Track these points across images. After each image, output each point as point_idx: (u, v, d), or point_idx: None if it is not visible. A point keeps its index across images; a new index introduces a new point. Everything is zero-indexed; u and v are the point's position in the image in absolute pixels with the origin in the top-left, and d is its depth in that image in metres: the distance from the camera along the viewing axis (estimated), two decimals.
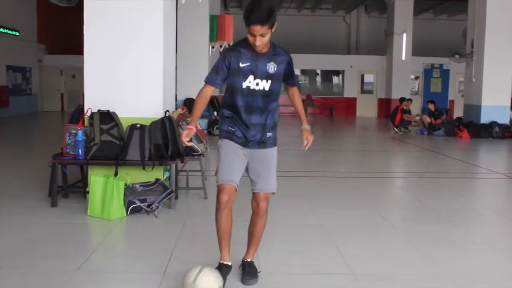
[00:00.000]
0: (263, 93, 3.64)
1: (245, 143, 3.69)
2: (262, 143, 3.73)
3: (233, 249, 3.85)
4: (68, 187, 6.29)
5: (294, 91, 3.97)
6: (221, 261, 3.75)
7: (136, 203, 5.54)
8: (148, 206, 5.57)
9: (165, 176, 6.12)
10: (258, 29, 3.39)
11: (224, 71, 3.60)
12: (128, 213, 5.52)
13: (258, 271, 3.83)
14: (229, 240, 3.75)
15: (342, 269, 4.10)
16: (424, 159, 11.36)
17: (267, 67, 3.60)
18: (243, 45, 3.60)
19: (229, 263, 3.75)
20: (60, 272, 3.91)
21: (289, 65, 3.73)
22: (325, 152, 12.36)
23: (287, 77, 3.77)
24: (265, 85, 3.62)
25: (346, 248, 4.59)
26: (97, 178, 5.54)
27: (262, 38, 3.45)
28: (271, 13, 3.41)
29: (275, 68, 3.63)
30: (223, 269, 3.68)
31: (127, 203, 5.52)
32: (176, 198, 6.12)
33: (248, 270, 3.79)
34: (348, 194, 7.10)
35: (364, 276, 3.96)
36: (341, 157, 11.40)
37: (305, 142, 3.80)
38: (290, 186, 7.20)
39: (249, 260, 3.86)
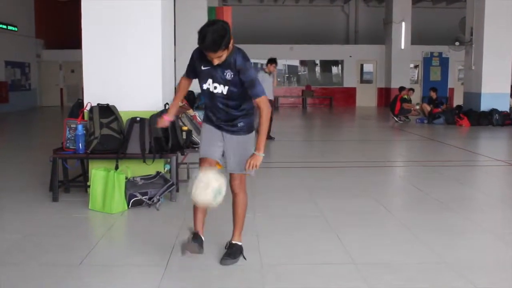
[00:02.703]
0: (223, 96, 3.81)
1: (220, 128, 3.96)
2: (233, 132, 3.94)
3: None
4: (69, 182, 6.30)
5: (258, 103, 3.80)
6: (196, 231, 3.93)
7: (137, 196, 5.55)
8: (149, 199, 5.58)
9: (166, 169, 6.13)
10: (212, 55, 3.59)
11: (191, 68, 3.92)
12: (130, 206, 5.53)
13: (239, 253, 4.04)
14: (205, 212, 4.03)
15: (343, 259, 4.12)
16: (424, 148, 11.36)
17: (225, 74, 3.73)
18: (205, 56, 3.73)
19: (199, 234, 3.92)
20: (62, 266, 3.93)
21: (244, 75, 3.70)
22: (325, 142, 12.38)
23: (246, 88, 3.76)
24: (222, 89, 3.78)
25: (347, 238, 4.60)
26: (98, 172, 5.55)
27: (219, 58, 3.62)
28: (220, 43, 3.51)
29: (232, 76, 3.72)
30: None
31: (128, 197, 5.53)
32: (177, 190, 6.14)
33: (228, 252, 4.03)
34: (348, 183, 7.11)
35: (365, 265, 3.98)
36: (341, 147, 11.40)
37: (247, 165, 3.82)
38: (291, 176, 7.22)
39: (231, 241, 4.10)
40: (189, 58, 3.88)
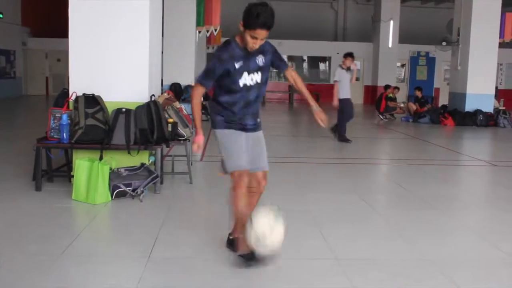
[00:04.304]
0: (257, 86, 3.79)
1: (243, 129, 3.83)
2: (256, 128, 3.92)
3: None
4: (52, 171, 6.25)
5: (291, 72, 4.07)
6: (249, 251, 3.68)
7: (121, 188, 5.53)
8: (133, 190, 5.56)
9: (151, 161, 6.11)
10: (263, 33, 3.51)
11: (216, 74, 3.68)
12: (113, 197, 5.51)
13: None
14: None
15: (326, 254, 4.14)
16: (409, 146, 11.44)
17: (257, 61, 3.73)
18: (234, 45, 3.68)
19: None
20: (44, 256, 3.90)
21: (275, 53, 3.88)
22: (312, 138, 12.40)
23: (278, 64, 3.94)
24: (257, 78, 3.77)
25: (330, 234, 4.62)
26: (82, 162, 5.51)
27: (261, 41, 3.58)
28: (274, 18, 3.52)
29: (264, 60, 3.77)
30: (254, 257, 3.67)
31: (112, 188, 5.50)
32: (162, 182, 6.12)
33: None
34: (334, 180, 7.14)
35: (348, 261, 4.00)
36: (328, 144, 11.43)
37: (321, 123, 3.93)
38: (279, 172, 7.22)
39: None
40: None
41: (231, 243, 4.02)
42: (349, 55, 10.86)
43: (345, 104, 10.72)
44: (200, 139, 3.80)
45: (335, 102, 10.66)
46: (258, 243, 3.48)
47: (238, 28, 3.62)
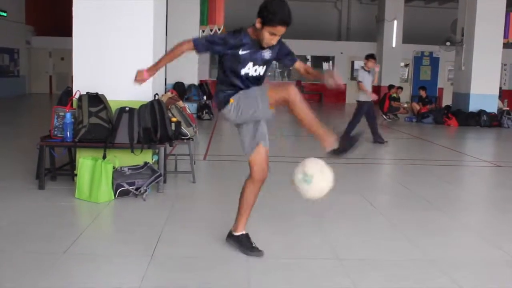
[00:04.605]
0: (258, 77, 3.80)
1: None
2: None
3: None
4: (56, 170, 6.27)
5: (301, 64, 4.12)
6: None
7: (124, 186, 5.53)
8: (136, 189, 5.57)
9: (154, 160, 6.11)
10: (283, 30, 3.56)
11: (213, 48, 3.67)
12: (116, 196, 5.51)
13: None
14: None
15: (328, 254, 4.14)
16: (412, 146, 11.43)
17: (263, 55, 3.75)
18: (244, 35, 3.67)
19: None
20: (47, 254, 3.91)
21: (283, 45, 3.92)
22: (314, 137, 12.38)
23: (287, 58, 3.99)
24: (260, 70, 3.79)
25: (332, 233, 4.63)
26: (85, 161, 5.52)
27: (278, 37, 3.63)
28: (291, 14, 3.58)
29: (270, 54, 3.79)
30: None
31: (115, 186, 5.51)
32: (165, 181, 6.13)
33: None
34: (336, 179, 7.10)
35: (350, 261, 4.00)
36: None
37: (336, 80, 3.86)
38: (279, 171, 7.20)
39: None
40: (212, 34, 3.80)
41: (232, 237, 4.08)
42: (371, 57, 10.78)
43: (362, 106, 10.64)
44: (146, 74, 3.91)
45: (374, 96, 10.69)
46: (302, 181, 3.62)
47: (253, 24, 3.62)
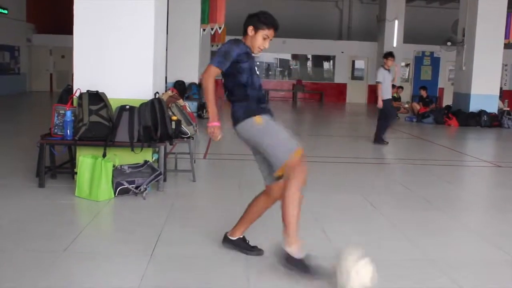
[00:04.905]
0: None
1: (266, 113, 3.81)
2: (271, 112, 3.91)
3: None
4: (56, 168, 6.26)
5: None
6: (303, 256, 3.54)
7: (124, 185, 5.53)
8: (136, 187, 5.56)
9: (154, 158, 6.11)
10: (273, 33, 3.82)
11: (232, 56, 3.70)
12: (116, 194, 5.51)
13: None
14: None
15: (329, 253, 4.12)
16: (413, 146, 11.42)
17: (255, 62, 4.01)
18: (246, 46, 3.82)
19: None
20: (47, 252, 3.91)
21: None
22: (315, 137, 12.39)
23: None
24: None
25: (333, 233, 4.62)
26: (85, 159, 5.52)
27: (269, 41, 3.86)
28: None
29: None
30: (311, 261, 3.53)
31: (115, 185, 5.51)
32: (165, 180, 6.12)
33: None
34: (336, 179, 7.13)
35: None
36: (330, 142, 11.43)
37: None
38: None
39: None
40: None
41: (228, 241, 4.05)
42: (390, 55, 10.79)
43: (387, 105, 10.63)
44: (215, 124, 3.69)
45: (380, 104, 10.55)
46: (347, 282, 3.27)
47: (239, 28, 3.73)
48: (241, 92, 3.79)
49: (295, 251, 3.50)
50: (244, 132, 3.74)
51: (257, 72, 3.95)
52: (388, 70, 10.64)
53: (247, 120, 3.71)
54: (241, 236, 4.03)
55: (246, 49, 3.79)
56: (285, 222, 3.60)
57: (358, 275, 3.27)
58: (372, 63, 25.19)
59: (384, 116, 10.64)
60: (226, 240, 4.07)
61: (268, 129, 3.68)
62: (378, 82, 10.52)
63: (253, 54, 3.86)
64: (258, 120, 3.69)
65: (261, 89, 3.89)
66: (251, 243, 4.04)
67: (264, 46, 3.84)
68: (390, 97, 10.80)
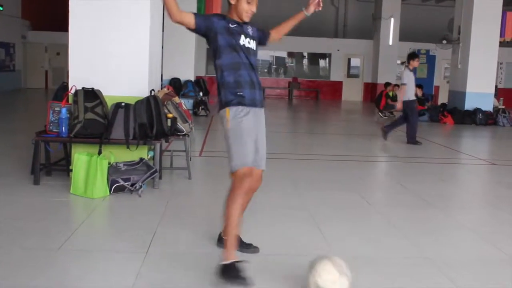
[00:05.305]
0: (255, 52, 3.75)
1: (254, 102, 3.62)
2: (262, 102, 3.75)
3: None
4: (51, 165, 6.24)
5: (274, 30, 4.19)
6: (234, 260, 3.37)
7: (120, 182, 5.51)
8: (132, 185, 5.55)
9: (149, 156, 6.09)
10: (256, 2, 3.65)
11: (210, 21, 3.62)
12: (111, 192, 5.49)
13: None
14: None
15: (325, 252, 4.12)
16: (408, 144, 11.42)
17: (249, 30, 3.75)
18: (230, 19, 3.69)
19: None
20: (42, 250, 3.89)
21: (255, 26, 3.88)
22: (311, 135, 12.39)
23: (263, 34, 4.00)
24: (253, 45, 3.74)
25: (329, 231, 4.62)
26: (81, 156, 5.50)
27: (255, 7, 3.66)
28: None
29: (253, 31, 3.79)
30: (241, 268, 3.31)
31: (111, 182, 5.49)
32: (160, 178, 6.11)
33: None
34: (332, 177, 7.13)
35: (347, 258, 3.98)
36: (326, 140, 11.43)
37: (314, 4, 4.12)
38: (275, 168, 7.21)
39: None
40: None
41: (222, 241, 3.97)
42: (416, 56, 10.79)
43: (412, 105, 10.66)
44: None
45: (400, 106, 10.71)
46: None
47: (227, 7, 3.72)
48: (218, 75, 3.64)
49: (229, 259, 3.37)
50: (220, 121, 3.69)
51: (248, 54, 3.66)
52: (412, 70, 10.65)
53: (221, 111, 3.63)
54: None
55: (226, 24, 3.61)
56: (225, 225, 3.54)
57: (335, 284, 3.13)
58: (368, 61, 25.21)
59: (406, 116, 10.69)
60: (220, 241, 4.02)
61: (235, 134, 3.53)
62: (403, 84, 10.53)
63: (244, 22, 3.69)
64: (228, 114, 3.54)
65: (250, 74, 3.63)
66: (246, 241, 4.02)
67: (252, 10, 3.65)
68: (415, 98, 10.84)
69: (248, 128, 3.55)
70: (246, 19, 3.69)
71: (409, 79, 10.53)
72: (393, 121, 10.94)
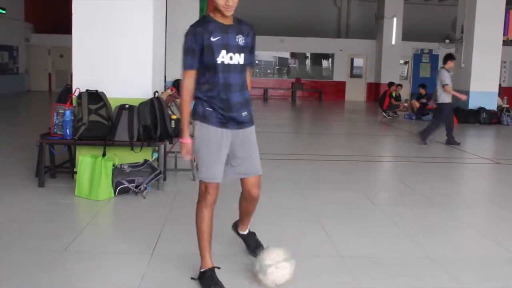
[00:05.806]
0: (239, 68, 3.37)
1: (224, 123, 3.35)
2: (240, 123, 3.40)
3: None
4: (55, 167, 6.25)
5: (249, 74, 3.59)
6: (207, 268, 3.41)
7: (124, 184, 5.52)
8: (136, 187, 5.56)
9: (154, 157, 6.10)
10: None
11: (196, 51, 3.29)
12: (116, 193, 5.51)
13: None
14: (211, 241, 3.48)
15: (330, 252, 4.13)
16: (412, 144, 11.41)
17: (237, 40, 3.34)
18: (208, 20, 3.34)
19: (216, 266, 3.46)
20: (47, 252, 3.90)
21: (252, 39, 3.47)
22: (314, 135, 12.39)
23: (249, 53, 3.48)
24: (239, 58, 3.35)
25: (333, 231, 4.61)
26: (85, 159, 5.51)
27: (235, 5, 3.26)
28: None
29: (244, 40, 3.38)
30: (214, 275, 3.38)
31: (115, 184, 5.50)
32: (165, 179, 6.12)
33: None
34: (336, 177, 7.13)
35: (351, 258, 3.99)
36: (330, 141, 11.43)
37: None
38: (279, 169, 7.22)
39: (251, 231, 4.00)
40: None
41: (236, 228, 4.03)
42: (452, 57, 10.82)
43: (449, 108, 10.67)
44: (187, 141, 3.44)
45: (464, 97, 11.19)
46: (259, 272, 3.33)
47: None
48: (204, 78, 3.37)
49: (204, 266, 3.42)
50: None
51: (228, 72, 3.31)
52: (449, 71, 10.64)
53: (194, 122, 3.45)
54: (248, 232, 4.00)
55: (207, 39, 3.26)
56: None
57: (273, 274, 3.28)
58: (371, 61, 25.21)
59: (439, 117, 10.66)
60: (234, 228, 4.06)
61: (202, 145, 3.40)
62: (446, 85, 10.48)
63: (231, 25, 3.33)
64: (197, 127, 3.41)
65: (225, 90, 3.31)
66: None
67: (227, 4, 3.21)
68: (451, 101, 10.78)
69: (212, 146, 3.40)
70: (227, 13, 3.26)
71: (448, 80, 10.51)
72: (446, 129, 10.83)
